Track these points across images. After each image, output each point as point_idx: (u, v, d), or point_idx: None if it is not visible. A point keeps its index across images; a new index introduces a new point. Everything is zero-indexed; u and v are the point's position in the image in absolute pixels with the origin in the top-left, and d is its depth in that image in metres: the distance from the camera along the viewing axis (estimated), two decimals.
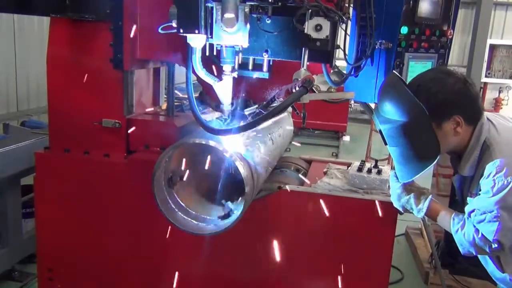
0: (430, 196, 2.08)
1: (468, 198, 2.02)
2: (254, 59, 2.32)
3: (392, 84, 2.05)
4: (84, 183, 2.45)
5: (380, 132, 2.06)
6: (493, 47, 11.82)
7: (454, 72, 2.01)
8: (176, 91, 2.65)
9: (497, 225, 1.84)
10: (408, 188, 2.11)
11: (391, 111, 1.97)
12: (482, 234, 1.89)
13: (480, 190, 1.93)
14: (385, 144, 2.06)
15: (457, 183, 2.17)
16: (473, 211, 1.93)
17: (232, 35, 1.96)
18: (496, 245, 1.87)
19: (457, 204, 2.29)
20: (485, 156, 1.92)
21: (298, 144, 2.87)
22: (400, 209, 2.15)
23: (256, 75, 2.35)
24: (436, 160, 1.92)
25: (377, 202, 2.26)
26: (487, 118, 2.01)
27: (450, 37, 2.47)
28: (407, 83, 2.05)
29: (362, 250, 2.34)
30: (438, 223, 2.12)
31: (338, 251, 2.36)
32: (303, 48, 2.00)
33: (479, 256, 2.08)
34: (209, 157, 2.12)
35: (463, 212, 2.07)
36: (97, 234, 2.49)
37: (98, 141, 2.42)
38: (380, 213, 2.25)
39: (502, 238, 1.85)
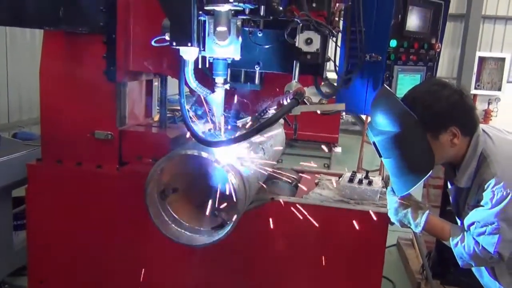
0: (428, 210, 2.06)
1: (466, 211, 2.01)
2: (246, 71, 2.34)
3: (384, 96, 2.06)
4: (76, 194, 2.45)
5: (374, 144, 2.06)
6: (482, 60, 11.95)
7: (449, 84, 2.02)
8: None
9: (498, 237, 1.84)
10: (406, 202, 2.09)
11: (384, 122, 1.98)
12: (482, 247, 1.88)
13: (478, 202, 1.93)
14: (380, 156, 2.06)
15: (452, 194, 2.17)
16: (472, 223, 1.92)
17: (224, 48, 1.99)
18: (497, 257, 1.87)
19: (448, 215, 2.31)
20: (483, 167, 1.92)
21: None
22: (398, 224, 2.12)
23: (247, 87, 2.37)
24: (431, 172, 1.92)
25: (368, 213, 2.28)
26: (483, 130, 2.01)
27: (438, 50, 2.52)
28: (402, 95, 2.05)
29: (353, 261, 2.35)
30: (436, 236, 2.12)
31: (329, 261, 2.36)
32: (294, 61, 2.03)
33: (473, 268, 2.09)
34: (201, 168, 2.14)
35: (456, 222, 2.09)
36: (89, 246, 2.48)
37: (91, 153, 2.43)
38: (371, 224, 2.27)
39: (502, 250, 1.86)
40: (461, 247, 1.96)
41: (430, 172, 1.93)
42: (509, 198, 1.81)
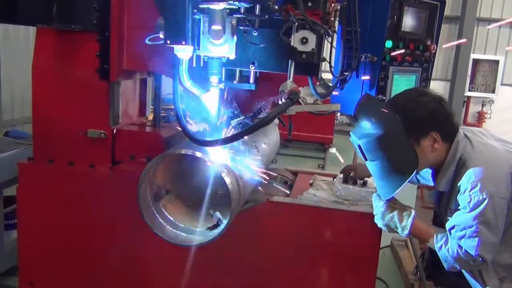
0: (413, 213, 2.10)
1: (448, 215, 2.06)
2: (240, 71, 2.33)
3: (368, 101, 2.16)
4: (68, 194, 2.41)
5: (359, 147, 2.10)
6: (476, 62, 12.06)
7: (429, 91, 2.11)
8: None
9: (477, 240, 1.89)
10: (391, 205, 2.14)
11: (369, 125, 2.04)
12: (465, 250, 1.93)
13: (458, 206, 1.98)
14: (365, 159, 2.12)
15: (434, 197, 2.25)
16: (453, 227, 1.98)
17: (219, 47, 1.97)
18: (480, 259, 1.91)
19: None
20: (461, 172, 1.98)
21: None
22: (385, 228, 2.16)
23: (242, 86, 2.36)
24: (414, 172, 1.99)
25: (362, 214, 2.27)
26: (465, 135, 2.08)
27: (433, 51, 2.52)
28: (387, 100, 2.14)
29: (347, 262, 2.34)
30: (422, 240, 2.18)
31: (323, 262, 2.36)
32: (289, 61, 2.02)
33: (464, 271, 2.12)
34: (195, 168, 2.12)
35: (443, 226, 2.11)
36: (81, 247, 2.45)
37: (83, 152, 2.40)
38: (365, 225, 2.26)
39: (483, 253, 1.90)
40: (445, 250, 2.01)
41: (413, 172, 2.00)
42: (486, 202, 1.87)
